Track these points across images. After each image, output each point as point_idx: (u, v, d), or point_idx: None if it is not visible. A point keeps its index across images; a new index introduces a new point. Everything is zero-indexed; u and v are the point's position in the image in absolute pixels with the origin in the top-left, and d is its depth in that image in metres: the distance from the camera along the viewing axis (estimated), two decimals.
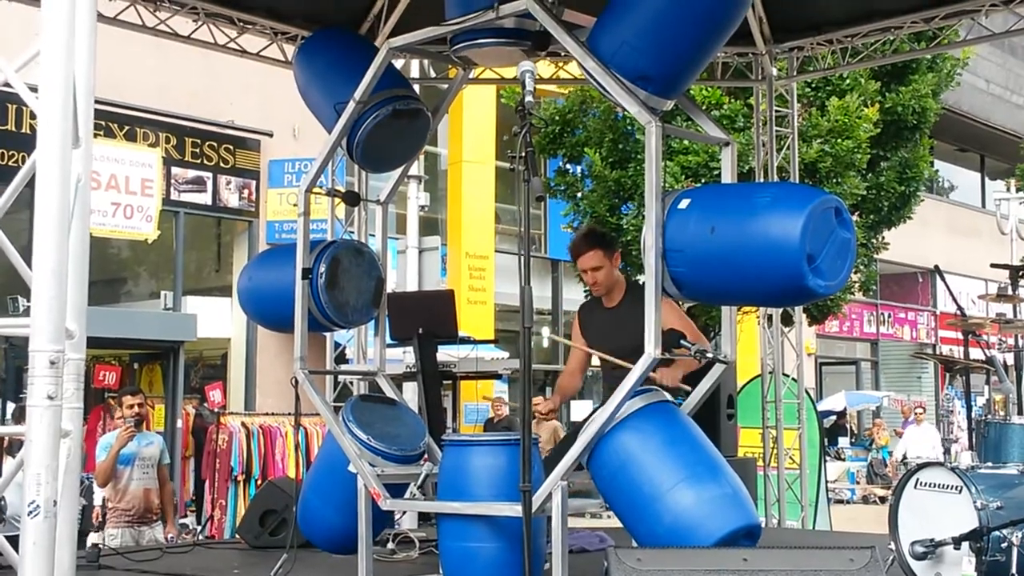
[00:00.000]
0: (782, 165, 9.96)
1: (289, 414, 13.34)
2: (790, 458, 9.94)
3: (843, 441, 24.83)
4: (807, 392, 10.94)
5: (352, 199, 6.62)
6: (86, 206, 2.73)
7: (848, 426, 25.73)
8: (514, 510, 5.08)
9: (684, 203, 4.83)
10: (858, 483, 23.14)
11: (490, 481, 5.31)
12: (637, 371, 4.85)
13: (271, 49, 9.62)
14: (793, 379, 10.22)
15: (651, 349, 4.82)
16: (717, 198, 4.95)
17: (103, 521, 8.14)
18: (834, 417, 24.43)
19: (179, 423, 14.72)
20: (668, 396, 5.15)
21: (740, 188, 5.57)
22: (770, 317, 10.08)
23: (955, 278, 28.41)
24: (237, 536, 8.33)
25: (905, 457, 20.22)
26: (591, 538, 7.67)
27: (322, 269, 6.13)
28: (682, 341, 5.09)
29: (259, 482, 13.17)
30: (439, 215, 18.62)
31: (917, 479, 5.08)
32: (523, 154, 3.87)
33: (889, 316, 27.26)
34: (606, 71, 5.01)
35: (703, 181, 11.65)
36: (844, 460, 23.74)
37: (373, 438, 5.88)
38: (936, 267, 6.52)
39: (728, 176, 5.26)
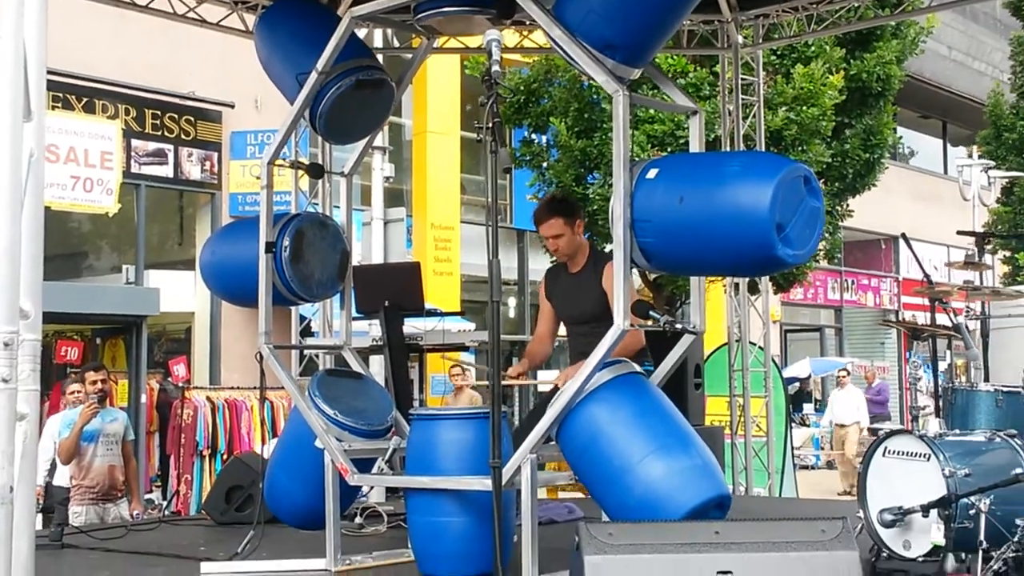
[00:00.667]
0: (748, 133, 9.93)
1: (254, 388, 13.27)
2: (756, 425, 9.97)
3: (807, 408, 25.01)
4: (773, 360, 10.98)
5: (316, 171, 6.52)
6: (40, 181, 2.64)
7: (812, 392, 25.92)
8: (483, 484, 5.05)
9: (652, 173, 4.78)
10: (822, 449, 23.31)
11: (458, 455, 5.28)
12: (606, 343, 4.81)
13: (231, 19, 9.47)
14: (760, 347, 10.24)
15: (620, 321, 4.78)
16: (685, 167, 4.91)
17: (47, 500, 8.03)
18: (798, 384, 24.59)
19: (143, 398, 14.62)
20: (637, 367, 5.12)
21: (708, 157, 5.54)
22: (736, 285, 10.08)
23: (919, 244, 28.61)
24: (203, 512, 8.26)
25: (831, 424, 20.35)
26: (560, 509, 7.67)
27: (286, 242, 6.04)
28: (650, 312, 5.05)
29: (225, 457, 13.11)
30: (404, 186, 18.50)
31: (885, 447, 5.08)
32: (490, 125, 3.80)
33: (853, 283, 27.44)
34: (572, 40, 4.94)
35: (669, 150, 11.61)
36: (808, 426, 23.92)
37: (340, 413, 5.82)
38: (903, 235, 6.53)
39: (696, 145, 5.22)
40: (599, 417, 4.88)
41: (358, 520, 7.30)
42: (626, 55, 5.00)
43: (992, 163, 21.55)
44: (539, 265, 20.17)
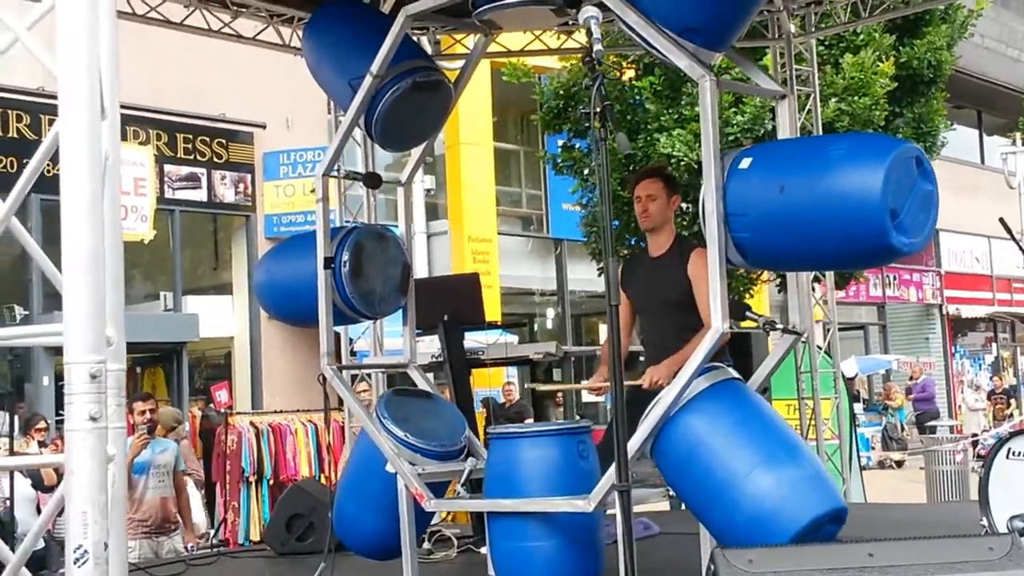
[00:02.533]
0: (804, 125, 9.55)
1: (298, 411, 13.00)
2: (828, 429, 9.57)
3: (856, 407, 24.52)
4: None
5: (373, 181, 6.20)
6: (116, 189, 2.32)
7: (859, 392, 25.41)
8: (572, 505, 4.73)
9: (746, 162, 4.43)
10: (873, 448, 22.83)
11: (542, 475, 4.94)
12: (705, 347, 4.46)
13: (267, 33, 9.18)
14: (826, 353, 9.83)
15: (718, 322, 4.43)
16: (783, 154, 4.55)
17: None
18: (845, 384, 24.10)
19: (186, 426, 14.35)
20: (734, 373, 4.75)
21: (808, 142, 5.20)
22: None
23: (959, 236, 28.15)
24: (263, 542, 7.95)
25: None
26: (636, 525, 7.29)
27: (345, 257, 5.73)
28: (748, 313, 4.69)
29: (271, 483, 12.84)
30: (438, 200, 18.21)
31: (1009, 448, 4.70)
32: (598, 109, 3.45)
33: (894, 278, 26.87)
34: (651, 24, 4.61)
35: None
36: (859, 426, 23.43)
37: (411, 434, 5.49)
38: (1001, 219, 6.10)
39: (785, 132, 4.86)
40: (698, 428, 4.53)
41: (426, 545, 6.97)
42: (707, 38, 4.67)
43: None
44: (578, 275, 19.84)
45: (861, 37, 11.92)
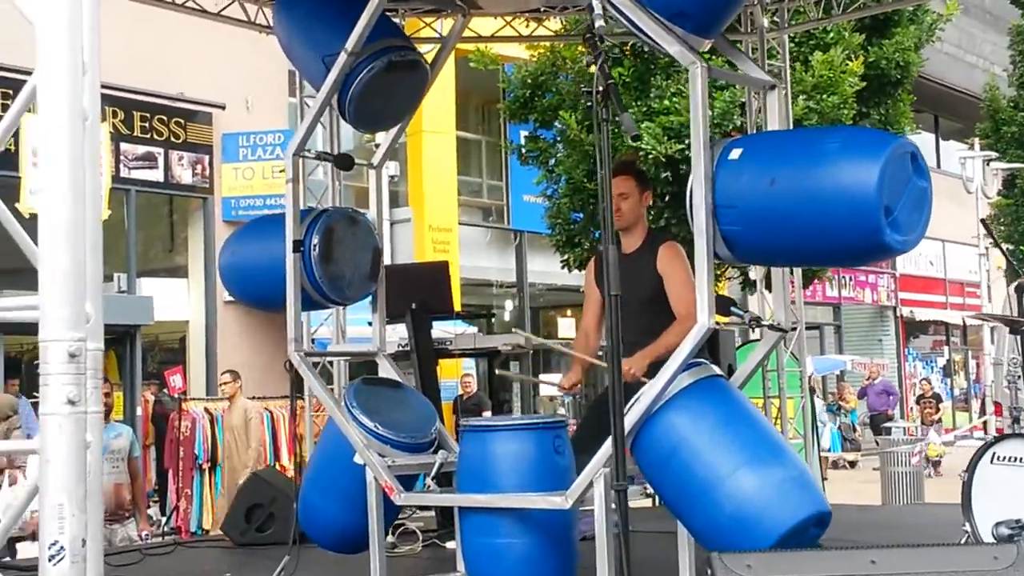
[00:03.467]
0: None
1: (254, 398, 12.79)
2: (794, 428, 9.51)
3: (818, 406, 24.62)
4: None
5: (345, 162, 6.01)
6: (96, 151, 2.13)
7: (814, 391, 25.49)
8: (550, 502, 4.60)
9: (736, 153, 4.31)
10: (828, 449, 22.92)
11: (517, 470, 4.80)
12: (690, 342, 4.33)
13: (232, 9, 8.95)
14: (792, 353, 9.77)
15: (704, 318, 4.31)
16: (775, 146, 4.43)
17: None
18: None
19: (138, 411, 14.07)
20: (718, 369, 4.63)
21: (801, 134, 5.09)
22: (766, 281, 9.58)
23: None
24: (221, 531, 7.75)
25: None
26: (588, 521, 7.18)
27: (315, 241, 5.55)
28: (732, 308, 4.58)
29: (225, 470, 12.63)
30: (400, 187, 18.00)
31: (994, 453, 4.62)
32: (600, 88, 3.30)
33: (851, 279, 27.01)
34: (640, 7, 4.46)
35: (686, 142, 11.11)
36: (823, 425, 23.52)
37: (381, 425, 5.33)
38: (983, 220, 6.02)
39: (774, 123, 4.75)
40: (681, 426, 4.40)
41: (390, 539, 6.80)
42: (697, 24, 4.53)
43: (994, 155, 21.19)
44: (538, 267, 19.72)
45: (831, 35, 11.87)
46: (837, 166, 4.04)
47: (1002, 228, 21.60)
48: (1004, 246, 22.26)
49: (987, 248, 21.63)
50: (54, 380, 2.01)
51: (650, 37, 4.50)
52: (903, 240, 4.07)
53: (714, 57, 8.38)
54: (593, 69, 3.42)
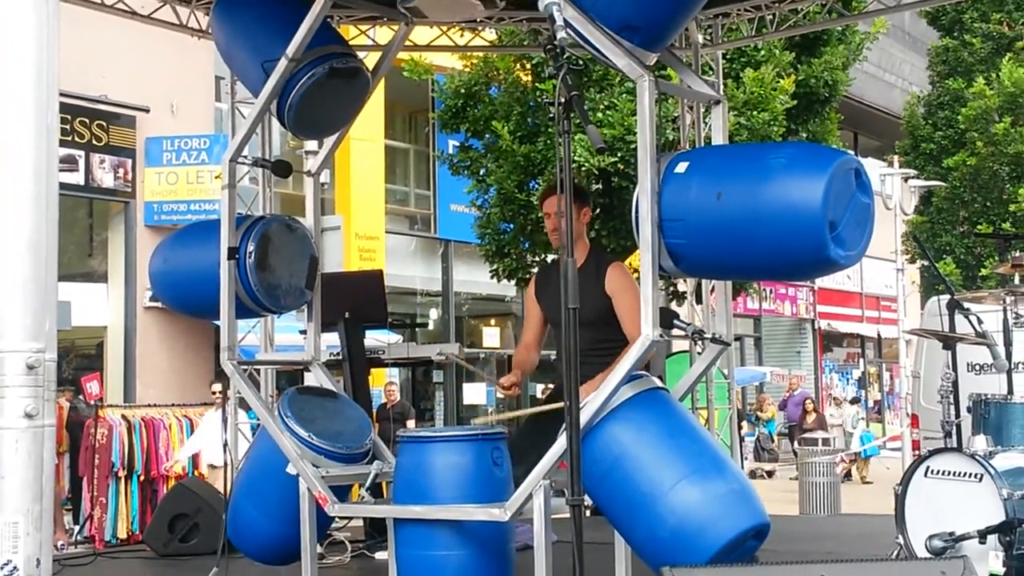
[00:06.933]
0: (709, 136, 9.52)
1: (172, 405, 12.57)
2: (720, 439, 9.58)
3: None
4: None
5: (283, 169, 5.93)
6: (56, 161, 2.05)
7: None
8: (489, 514, 4.57)
9: (682, 166, 4.32)
10: (745, 459, 23.17)
11: (455, 481, 4.76)
12: (634, 354, 4.33)
13: (164, 11, 8.79)
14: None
15: (649, 330, 4.31)
16: (722, 160, 4.45)
17: None
18: None
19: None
20: (659, 382, 4.64)
21: (748, 149, 5.12)
22: (697, 293, 9.65)
23: None
24: (142, 542, 7.59)
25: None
26: (524, 531, 7.15)
27: (250, 248, 5.46)
28: (675, 321, 4.58)
29: (141, 478, 12.39)
30: (327, 195, 17.84)
31: (928, 467, 4.68)
32: (563, 100, 3.27)
33: (771, 292, 27.37)
34: (588, 20, 4.46)
35: (619, 155, 11.17)
36: (742, 437, 23.78)
37: (315, 435, 5.25)
38: (914, 235, 6.11)
39: (719, 138, 4.78)
40: (623, 438, 4.40)
41: (318, 550, 6.70)
42: (646, 37, 4.55)
43: (913, 172, 21.62)
44: (464, 276, 19.68)
45: (762, 53, 12.02)
46: (783, 181, 4.07)
47: (915, 246, 22.04)
48: (919, 262, 22.79)
49: (904, 264, 22.01)
50: (11, 393, 1.92)
51: (598, 50, 4.49)
52: (847, 255, 4.12)
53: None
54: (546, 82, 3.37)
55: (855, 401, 26.27)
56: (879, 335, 30.82)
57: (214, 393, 8.77)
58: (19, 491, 1.89)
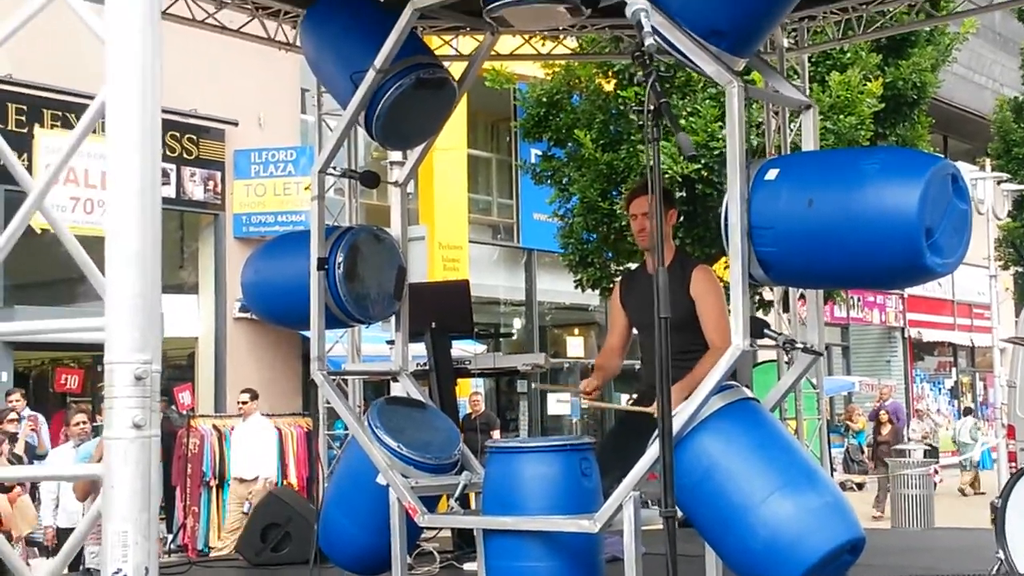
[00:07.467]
0: (796, 142, 9.41)
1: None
2: (810, 450, 9.42)
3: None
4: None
5: (371, 180, 5.98)
6: (159, 173, 2.08)
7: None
8: (578, 526, 4.54)
9: (772, 173, 4.26)
10: (835, 470, 22.80)
11: (544, 492, 4.73)
12: (724, 364, 4.28)
13: (252, 25, 8.92)
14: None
15: (739, 340, 4.26)
16: (813, 167, 4.39)
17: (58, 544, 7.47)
18: None
19: None
20: (750, 393, 4.58)
21: (839, 155, 5.05)
22: (784, 301, 9.52)
23: None
24: (236, 551, 7.69)
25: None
26: (615, 543, 7.11)
27: (340, 259, 5.51)
28: (766, 331, 4.52)
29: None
30: (411, 205, 17.98)
31: None
32: (652, 107, 3.25)
33: (858, 300, 26.94)
34: (676, 26, 4.42)
35: (703, 162, 11.08)
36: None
37: (404, 446, 5.27)
38: (1012, 241, 5.97)
39: (810, 143, 4.70)
40: (713, 449, 4.35)
41: (407, 560, 6.73)
42: (733, 42, 4.50)
43: (1006, 176, 21.14)
44: (547, 285, 19.66)
45: (848, 55, 11.85)
46: (878, 187, 3.99)
47: (1010, 252, 21.56)
48: (1013, 268, 22.26)
49: (997, 270, 21.53)
50: (119, 404, 1.95)
51: (686, 56, 4.46)
52: (944, 263, 4.03)
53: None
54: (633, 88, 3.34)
55: (968, 412, 25.69)
56: (972, 343, 30.15)
57: (76, 424, 8.68)
58: (128, 500, 1.92)
